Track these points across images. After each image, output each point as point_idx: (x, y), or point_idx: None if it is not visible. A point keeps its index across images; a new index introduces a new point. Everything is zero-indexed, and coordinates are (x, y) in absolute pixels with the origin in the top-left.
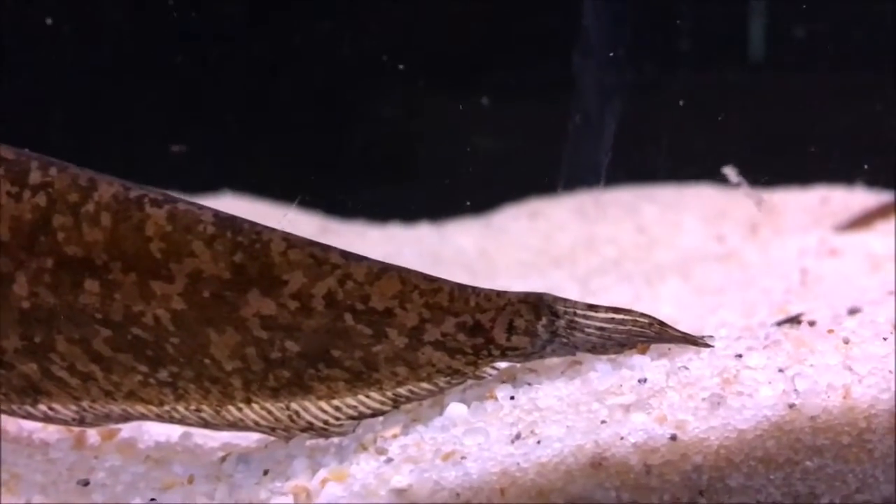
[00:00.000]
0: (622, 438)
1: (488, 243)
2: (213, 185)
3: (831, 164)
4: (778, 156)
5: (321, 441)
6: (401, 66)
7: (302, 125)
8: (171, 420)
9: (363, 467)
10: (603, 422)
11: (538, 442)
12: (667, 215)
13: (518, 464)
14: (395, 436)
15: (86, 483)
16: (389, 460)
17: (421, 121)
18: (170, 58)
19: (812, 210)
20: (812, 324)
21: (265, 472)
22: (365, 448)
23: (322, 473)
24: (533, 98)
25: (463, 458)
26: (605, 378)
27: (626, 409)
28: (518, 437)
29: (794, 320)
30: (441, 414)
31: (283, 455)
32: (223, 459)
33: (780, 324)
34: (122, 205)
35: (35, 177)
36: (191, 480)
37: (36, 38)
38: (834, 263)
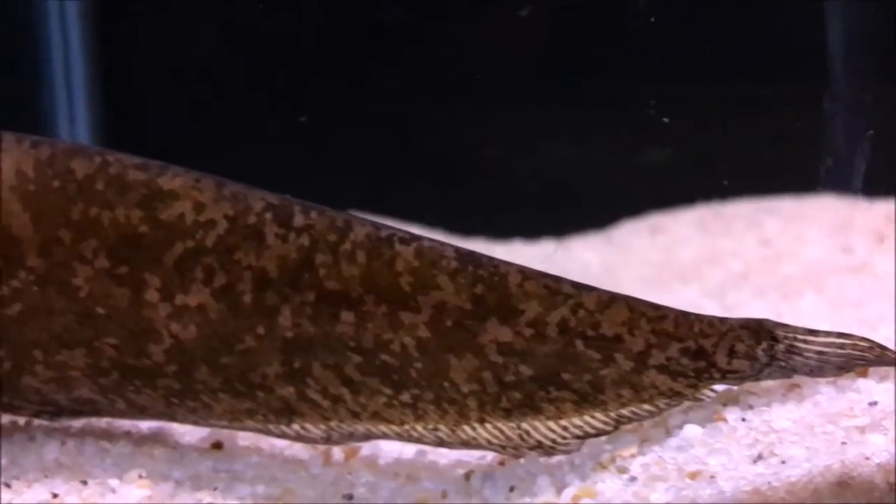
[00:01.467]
0: (867, 458)
1: (611, 258)
2: (338, 204)
3: None
4: None
5: (550, 460)
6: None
7: (420, 144)
8: (410, 439)
9: (609, 485)
10: (843, 443)
11: (783, 462)
12: (790, 227)
13: (769, 483)
14: (632, 455)
15: (350, 497)
16: (633, 479)
17: (536, 136)
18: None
19: None
20: None
21: (511, 489)
22: (604, 467)
23: (570, 491)
24: (647, 111)
25: (712, 476)
26: (834, 401)
27: (862, 430)
28: (760, 457)
29: None
30: (672, 434)
31: (524, 472)
32: (467, 477)
33: None
34: (375, 243)
35: (298, 220)
36: (444, 495)
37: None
38: None
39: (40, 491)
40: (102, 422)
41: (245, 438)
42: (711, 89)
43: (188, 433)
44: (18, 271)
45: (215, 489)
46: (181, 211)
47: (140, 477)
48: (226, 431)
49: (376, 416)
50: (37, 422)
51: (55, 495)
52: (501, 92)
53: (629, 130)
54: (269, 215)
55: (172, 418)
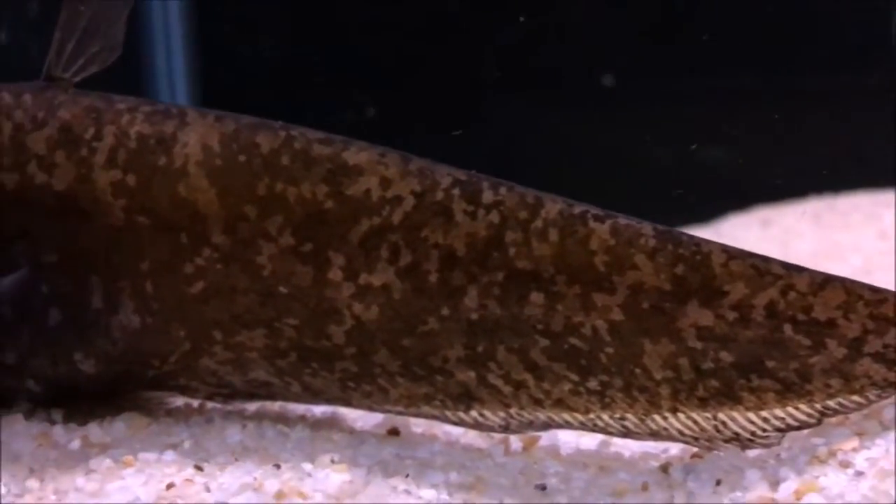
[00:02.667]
0: None
1: None
2: None
3: None
4: None
5: (750, 452)
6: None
7: (533, 135)
8: (594, 428)
9: (833, 479)
10: None
11: None
12: None
13: None
14: (854, 449)
15: (543, 487)
16: (860, 473)
17: (643, 130)
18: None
19: None
20: None
21: (717, 482)
22: (822, 461)
23: (790, 485)
24: (754, 104)
25: None
26: None
27: None
28: None
29: None
30: (888, 427)
31: (728, 465)
32: (664, 469)
33: None
34: (568, 220)
35: (487, 196)
36: (645, 487)
37: None
38: None
39: (237, 474)
40: (275, 405)
41: (418, 425)
42: (820, 82)
43: (360, 419)
44: (203, 248)
45: (407, 476)
46: (367, 187)
47: (332, 462)
48: (400, 418)
49: (560, 404)
50: (210, 404)
51: (255, 478)
52: (608, 89)
53: (733, 124)
54: (456, 191)
55: (347, 403)
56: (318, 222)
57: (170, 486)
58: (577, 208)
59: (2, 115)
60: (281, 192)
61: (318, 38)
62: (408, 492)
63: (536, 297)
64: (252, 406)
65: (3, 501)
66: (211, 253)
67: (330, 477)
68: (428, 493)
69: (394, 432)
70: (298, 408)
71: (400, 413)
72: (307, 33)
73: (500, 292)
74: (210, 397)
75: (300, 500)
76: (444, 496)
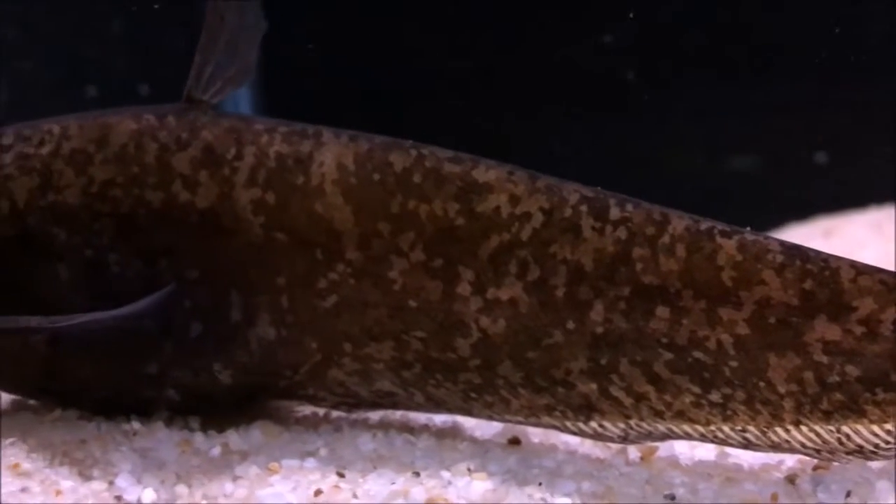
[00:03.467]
0: None
1: None
2: None
3: None
4: None
5: (879, 464)
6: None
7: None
8: (714, 440)
9: None
10: None
11: None
12: None
13: None
14: None
15: (672, 497)
16: None
17: (703, 141)
18: None
19: None
20: None
21: (847, 494)
22: None
23: None
24: (815, 114)
25: None
26: None
27: None
28: None
29: None
30: None
31: (857, 477)
32: (790, 480)
33: None
34: (695, 236)
35: (615, 212)
36: (774, 498)
37: None
38: None
39: (380, 482)
40: (397, 414)
41: (535, 435)
42: (882, 92)
43: (477, 427)
44: (337, 264)
45: (540, 484)
46: (497, 204)
47: (469, 470)
48: (518, 427)
49: (680, 416)
50: (335, 413)
51: (393, 483)
52: (669, 100)
53: (794, 134)
54: (584, 208)
55: (467, 412)
56: (448, 238)
57: (317, 492)
58: (704, 224)
59: (147, 137)
60: (413, 209)
61: (381, 54)
62: (544, 500)
63: (662, 311)
64: (375, 415)
65: None
66: (344, 268)
67: (472, 485)
68: (562, 501)
69: (514, 441)
70: (420, 417)
71: (519, 423)
72: (375, 48)
73: (626, 306)
74: (335, 406)
75: None
76: None
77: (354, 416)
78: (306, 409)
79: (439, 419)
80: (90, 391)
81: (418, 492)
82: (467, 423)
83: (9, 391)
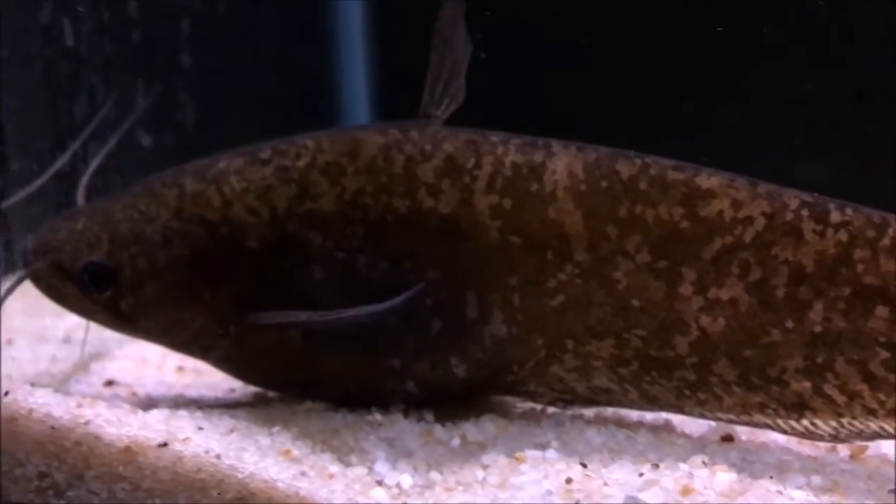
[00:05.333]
0: None
1: None
2: None
3: None
4: None
5: None
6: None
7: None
8: None
9: None
10: None
11: None
12: None
13: None
14: None
15: None
16: None
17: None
18: None
19: None
20: None
21: None
22: None
23: None
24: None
25: None
26: None
27: None
28: None
29: None
30: None
31: None
32: None
33: None
34: None
35: (835, 216)
36: None
37: None
38: None
39: (625, 472)
40: (609, 411)
41: (743, 433)
42: None
43: (686, 424)
44: (566, 265)
45: (771, 478)
46: (720, 208)
47: (704, 463)
48: (729, 425)
49: (893, 414)
50: (551, 409)
51: (640, 474)
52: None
53: (846, 150)
54: (805, 212)
55: (679, 410)
56: (673, 241)
57: (568, 480)
58: None
59: (395, 149)
60: (640, 213)
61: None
62: (780, 492)
63: (882, 311)
64: (589, 412)
65: (410, 491)
66: (573, 269)
67: (717, 476)
68: (797, 494)
69: (727, 438)
70: (631, 414)
71: (730, 421)
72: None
73: (846, 306)
74: (552, 403)
75: (701, 499)
76: (812, 498)
77: (570, 411)
78: (525, 405)
79: (650, 416)
80: (336, 383)
81: (668, 481)
82: (674, 419)
83: (254, 383)
